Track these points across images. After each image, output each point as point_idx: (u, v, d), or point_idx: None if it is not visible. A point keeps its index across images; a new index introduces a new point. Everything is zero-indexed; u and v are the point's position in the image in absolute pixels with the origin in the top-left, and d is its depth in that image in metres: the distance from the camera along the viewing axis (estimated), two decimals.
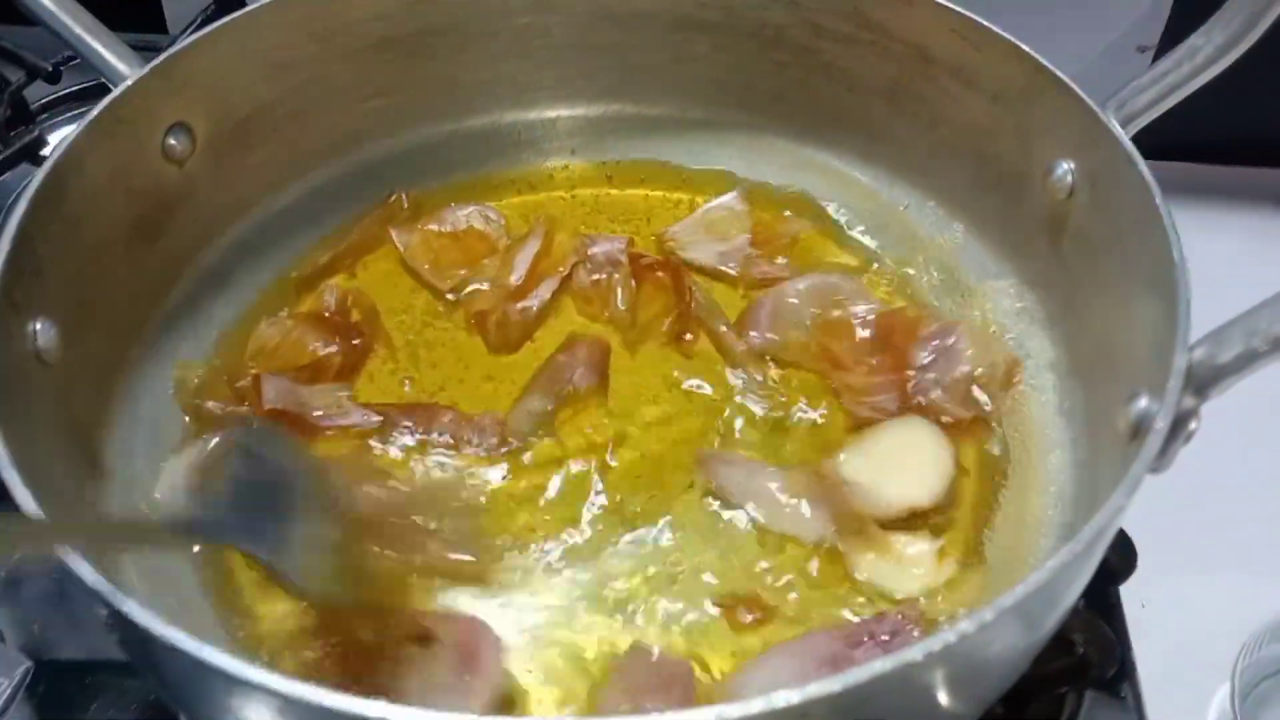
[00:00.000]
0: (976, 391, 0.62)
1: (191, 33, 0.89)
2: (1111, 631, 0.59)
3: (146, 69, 0.59)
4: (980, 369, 0.62)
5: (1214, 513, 0.70)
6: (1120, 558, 0.60)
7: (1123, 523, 0.61)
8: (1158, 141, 0.57)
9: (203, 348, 0.66)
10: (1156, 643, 0.63)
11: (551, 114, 0.78)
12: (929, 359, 0.63)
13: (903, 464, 0.58)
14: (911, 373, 0.62)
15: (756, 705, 0.35)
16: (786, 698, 0.35)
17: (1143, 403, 0.49)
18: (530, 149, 0.78)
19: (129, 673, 0.57)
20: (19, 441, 0.45)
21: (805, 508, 0.57)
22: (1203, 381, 0.45)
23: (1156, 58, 0.87)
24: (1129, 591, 0.63)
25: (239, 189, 0.68)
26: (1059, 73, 0.59)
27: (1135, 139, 0.56)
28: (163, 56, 0.60)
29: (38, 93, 0.91)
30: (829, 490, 0.57)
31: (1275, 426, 0.73)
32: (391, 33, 0.70)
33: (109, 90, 0.59)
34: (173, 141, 0.62)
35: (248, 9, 0.64)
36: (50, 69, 0.89)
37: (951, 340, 0.63)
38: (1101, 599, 0.61)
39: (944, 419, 0.61)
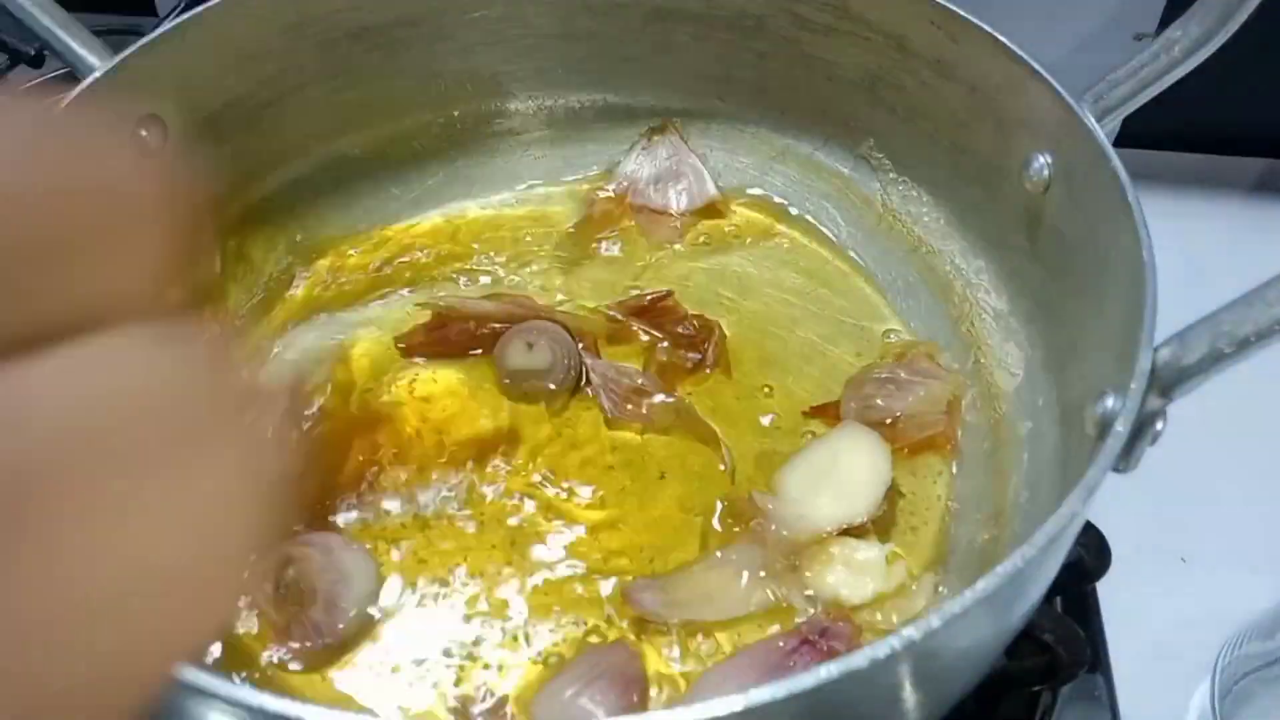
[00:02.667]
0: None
1: (174, 17, 0.91)
2: (1082, 630, 0.58)
3: (114, 61, 0.59)
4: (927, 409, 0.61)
5: (1193, 507, 0.70)
6: (1094, 556, 0.60)
7: (1100, 520, 0.61)
8: (1135, 129, 0.57)
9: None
10: (1135, 641, 0.63)
11: (529, 105, 0.78)
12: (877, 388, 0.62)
13: (835, 480, 0.56)
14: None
15: (725, 705, 0.35)
16: (758, 696, 0.35)
17: (1109, 402, 0.48)
18: (509, 139, 0.77)
19: None
20: None
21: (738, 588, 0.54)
22: (1168, 383, 0.45)
23: None
24: (1108, 588, 0.63)
25: (211, 182, 0.67)
26: (1035, 64, 0.58)
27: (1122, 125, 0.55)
28: (131, 49, 0.60)
29: (21, 78, 0.91)
30: (757, 539, 0.55)
31: (1256, 420, 0.72)
32: (365, 23, 0.70)
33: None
34: (144, 134, 0.61)
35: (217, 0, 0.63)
36: (33, 53, 0.89)
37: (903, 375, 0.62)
38: (1076, 597, 0.61)
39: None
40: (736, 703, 0.35)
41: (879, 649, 0.36)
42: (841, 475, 0.55)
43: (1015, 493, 0.58)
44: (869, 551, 0.53)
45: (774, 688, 0.35)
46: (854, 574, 0.52)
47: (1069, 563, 0.50)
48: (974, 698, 0.51)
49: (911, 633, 0.36)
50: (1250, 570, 0.68)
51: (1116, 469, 0.45)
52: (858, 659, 0.35)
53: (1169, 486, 0.67)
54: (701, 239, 0.74)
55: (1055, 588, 0.50)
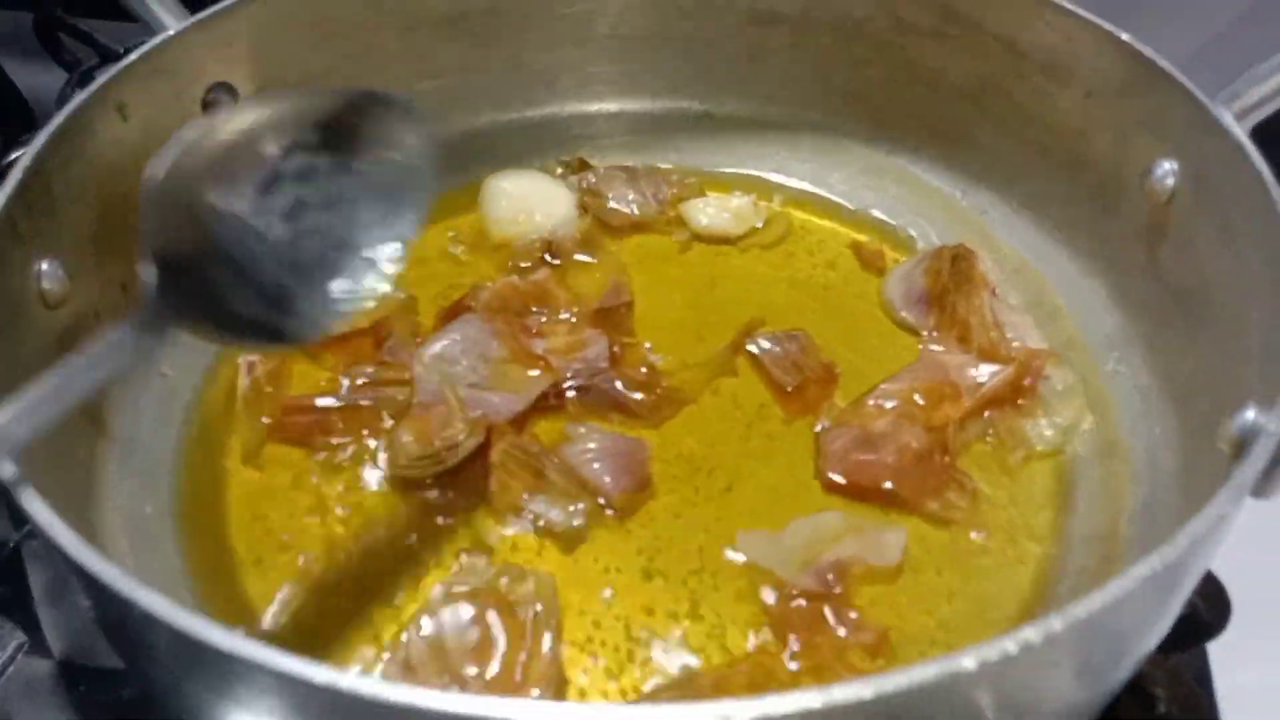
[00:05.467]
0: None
1: None
2: (1199, 688, 0.51)
3: (190, 21, 0.57)
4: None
5: None
6: (1211, 609, 0.53)
7: (1218, 568, 0.54)
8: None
9: None
10: (1247, 703, 0.55)
11: (615, 107, 0.74)
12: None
13: None
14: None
15: (777, 705, 0.29)
16: (807, 700, 0.29)
17: (1250, 415, 0.42)
18: (588, 144, 0.74)
19: None
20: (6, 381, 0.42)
21: None
22: None
23: None
24: (1221, 650, 0.56)
25: None
26: (1162, 62, 0.54)
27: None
28: (209, 11, 0.58)
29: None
30: None
31: None
32: (452, 9, 0.67)
33: None
34: (214, 100, 0.59)
35: None
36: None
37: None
38: (1189, 656, 0.54)
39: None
40: (814, 700, 0.30)
41: (949, 664, 0.30)
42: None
43: (1128, 526, 0.52)
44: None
45: (857, 686, 0.30)
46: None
47: (1183, 615, 0.43)
48: None
49: (1009, 646, 0.30)
50: None
51: (1254, 492, 0.39)
52: (930, 669, 0.30)
53: None
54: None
55: (1166, 642, 0.43)
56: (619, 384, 0.58)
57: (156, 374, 0.58)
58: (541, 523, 0.53)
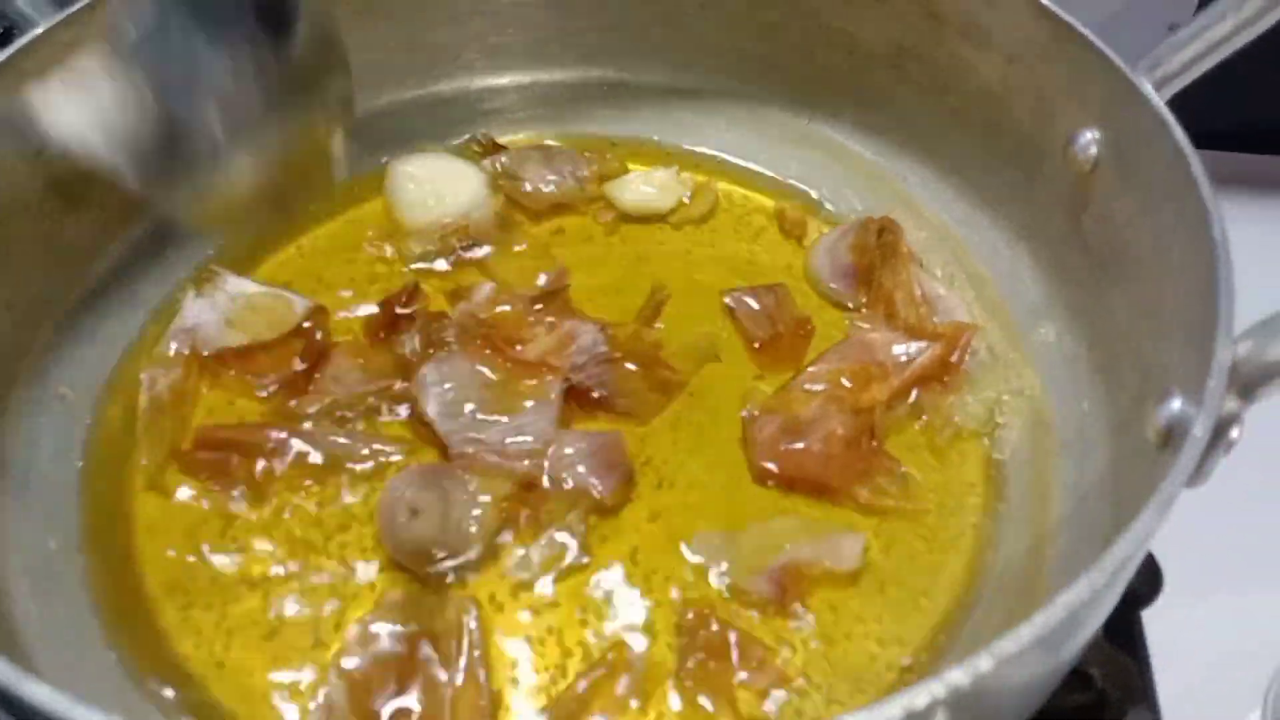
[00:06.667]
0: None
1: None
2: (1133, 662, 0.52)
3: (61, 15, 0.53)
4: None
5: (1242, 526, 0.63)
6: (1145, 582, 0.54)
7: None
8: (1190, 127, 0.50)
9: (128, 330, 0.59)
10: (1180, 669, 0.58)
11: (526, 79, 0.72)
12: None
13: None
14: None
15: None
16: None
17: (1175, 404, 0.42)
18: (500, 117, 0.71)
19: None
20: None
21: None
22: (1248, 381, 0.39)
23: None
24: (1152, 612, 0.57)
25: None
26: (1082, 28, 0.52)
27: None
28: (82, 3, 0.54)
29: None
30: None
31: None
32: None
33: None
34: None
35: None
36: None
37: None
38: (1123, 626, 0.55)
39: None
40: None
41: (918, 696, 0.29)
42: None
43: (1059, 504, 0.51)
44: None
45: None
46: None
47: None
48: None
49: (960, 677, 0.29)
50: None
51: (1187, 484, 0.39)
52: (893, 708, 0.29)
53: (1215, 499, 0.61)
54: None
55: None
56: (630, 365, 0.57)
57: (54, 396, 0.55)
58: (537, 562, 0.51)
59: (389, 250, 0.64)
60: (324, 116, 0.46)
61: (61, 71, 0.38)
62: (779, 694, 0.47)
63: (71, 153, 0.40)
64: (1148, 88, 0.49)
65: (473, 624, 0.46)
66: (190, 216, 0.43)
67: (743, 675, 0.47)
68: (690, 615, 0.49)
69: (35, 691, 0.31)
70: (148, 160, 0.40)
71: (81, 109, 0.38)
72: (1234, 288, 0.41)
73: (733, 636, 0.47)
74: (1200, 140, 0.47)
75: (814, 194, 0.69)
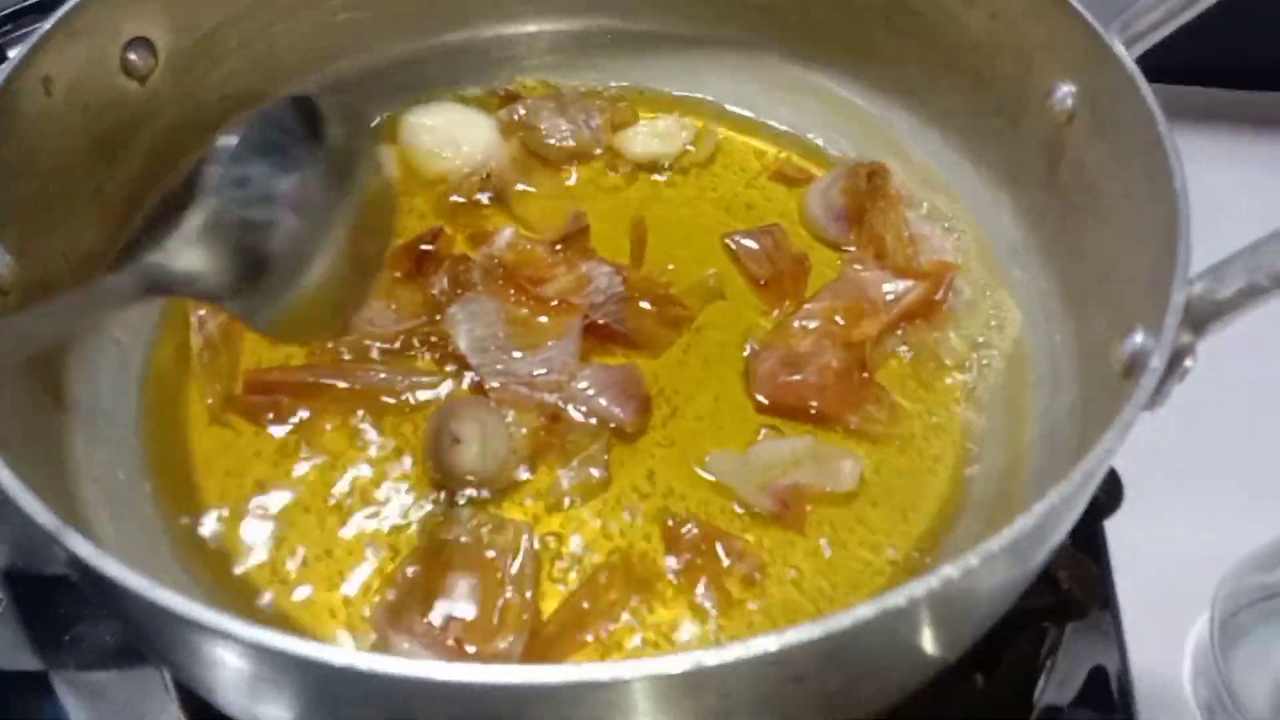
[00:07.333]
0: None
1: None
2: (1095, 566, 0.58)
3: None
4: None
5: (1195, 443, 0.69)
6: (1107, 494, 0.60)
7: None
8: (1163, 62, 0.55)
9: None
10: (1137, 573, 0.63)
11: (533, 28, 0.75)
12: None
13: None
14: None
15: (734, 651, 0.34)
16: (764, 644, 0.34)
17: (1138, 339, 0.47)
18: (509, 66, 0.75)
19: None
20: None
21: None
22: (1201, 317, 0.44)
23: None
24: (1112, 522, 0.63)
25: (203, 107, 0.64)
26: None
27: (1141, 59, 0.54)
28: None
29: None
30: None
31: (1258, 356, 0.71)
32: None
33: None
34: (133, 56, 0.59)
35: None
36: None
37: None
38: (1086, 534, 0.61)
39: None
40: (770, 643, 0.34)
41: (916, 589, 0.35)
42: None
43: (1033, 427, 0.57)
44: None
45: (809, 628, 0.34)
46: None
47: None
48: (984, 636, 0.50)
49: (950, 572, 0.35)
50: (1250, 503, 0.67)
51: (1146, 407, 0.44)
52: (895, 598, 0.34)
53: (1171, 419, 0.66)
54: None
55: None
56: (645, 304, 0.62)
57: (109, 340, 0.59)
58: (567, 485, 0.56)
59: (410, 199, 0.68)
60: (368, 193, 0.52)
61: (174, 232, 0.44)
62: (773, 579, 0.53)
63: (188, 293, 0.45)
64: (1119, 47, 0.54)
65: (527, 545, 0.51)
66: (276, 332, 0.50)
67: (726, 563, 0.53)
68: (670, 522, 0.54)
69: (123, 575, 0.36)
70: (245, 290, 0.46)
71: (196, 260, 0.44)
72: (1191, 237, 0.46)
73: (715, 538, 0.54)
74: (1163, 74, 0.52)
75: (808, 137, 0.73)
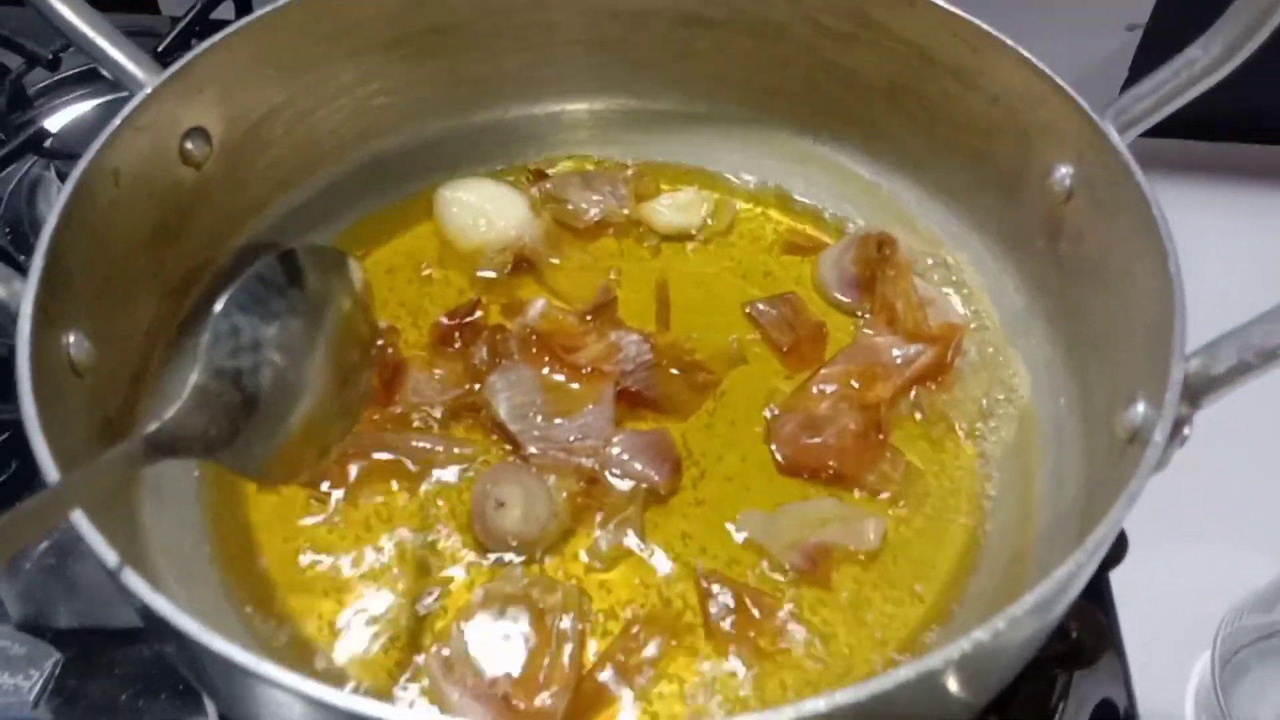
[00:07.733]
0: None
1: (188, 18, 0.91)
2: (1102, 614, 0.62)
3: (165, 75, 0.60)
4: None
5: (1196, 486, 0.72)
6: (1113, 548, 0.63)
7: None
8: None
9: None
10: (1140, 614, 0.66)
11: (556, 108, 0.79)
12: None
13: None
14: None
15: (787, 714, 0.37)
16: (814, 706, 0.37)
17: (1140, 408, 0.51)
18: (535, 143, 0.79)
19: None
20: (61, 454, 0.46)
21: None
22: (1197, 391, 0.48)
23: (1145, 36, 0.90)
24: (1116, 572, 0.66)
25: (252, 189, 0.69)
26: (1059, 79, 0.61)
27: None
28: (180, 63, 0.61)
29: (34, 77, 0.91)
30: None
31: (1256, 403, 0.75)
32: (396, 32, 0.71)
33: (101, 73, 0.59)
34: (190, 146, 0.63)
35: (258, 14, 0.64)
36: (50, 56, 0.89)
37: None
38: (1094, 585, 0.64)
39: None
40: (820, 704, 0.38)
41: (951, 651, 0.38)
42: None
43: (1040, 485, 0.61)
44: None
45: (856, 690, 0.38)
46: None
47: None
48: None
49: (980, 635, 0.39)
50: (1250, 545, 0.71)
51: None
52: (934, 660, 0.38)
53: (1172, 475, 0.70)
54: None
55: None
56: (672, 370, 0.66)
57: None
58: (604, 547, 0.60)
59: (446, 272, 0.72)
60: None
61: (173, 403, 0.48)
62: (802, 633, 0.56)
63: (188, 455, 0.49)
64: (1114, 133, 0.58)
65: (577, 605, 0.55)
66: (263, 475, 0.54)
67: (758, 617, 0.57)
68: (703, 578, 0.58)
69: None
70: (239, 439, 0.51)
71: (194, 423, 0.48)
72: (1187, 312, 0.50)
73: (747, 593, 0.57)
74: (1160, 129, 0.55)
75: (819, 207, 0.77)
